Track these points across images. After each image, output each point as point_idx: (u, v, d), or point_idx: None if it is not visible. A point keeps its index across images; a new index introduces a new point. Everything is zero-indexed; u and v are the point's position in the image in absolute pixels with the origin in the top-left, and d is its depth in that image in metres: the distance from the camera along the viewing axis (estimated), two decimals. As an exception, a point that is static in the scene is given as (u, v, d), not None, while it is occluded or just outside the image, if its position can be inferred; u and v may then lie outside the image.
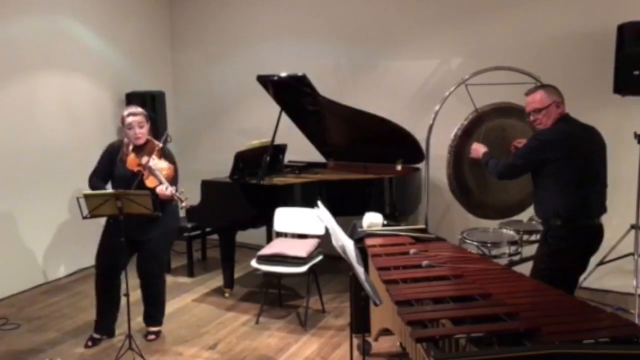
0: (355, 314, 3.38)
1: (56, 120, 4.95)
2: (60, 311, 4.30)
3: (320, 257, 4.14)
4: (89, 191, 3.37)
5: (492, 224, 4.13)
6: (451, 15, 4.83)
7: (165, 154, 3.62)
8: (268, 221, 4.54)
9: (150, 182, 3.46)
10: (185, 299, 4.54)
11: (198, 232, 5.18)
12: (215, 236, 5.20)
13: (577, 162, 2.95)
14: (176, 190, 3.44)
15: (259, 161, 4.54)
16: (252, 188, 4.45)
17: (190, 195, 3.58)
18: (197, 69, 6.11)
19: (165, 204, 3.51)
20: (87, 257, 4.23)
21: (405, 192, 4.58)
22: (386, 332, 3.04)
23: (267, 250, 4.11)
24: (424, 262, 2.71)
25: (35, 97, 4.78)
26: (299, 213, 4.25)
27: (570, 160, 2.95)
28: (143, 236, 3.58)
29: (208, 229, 5.27)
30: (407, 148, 4.61)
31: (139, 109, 3.61)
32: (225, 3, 5.84)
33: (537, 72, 4.04)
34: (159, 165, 3.51)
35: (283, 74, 4.42)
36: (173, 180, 3.55)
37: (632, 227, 4.00)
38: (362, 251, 2.90)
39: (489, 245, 3.76)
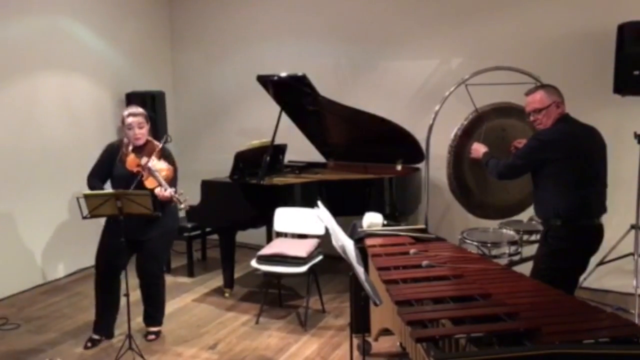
0: (355, 314, 3.38)
1: (56, 120, 4.95)
2: (60, 311, 4.30)
3: (320, 257, 4.14)
4: (89, 191, 3.37)
5: (492, 224, 4.13)
6: (451, 15, 4.83)
7: (165, 155, 3.61)
8: (268, 221, 4.54)
9: (149, 183, 3.46)
10: (185, 299, 4.54)
11: (198, 232, 5.18)
12: (215, 236, 5.20)
13: (577, 162, 2.95)
14: (175, 192, 3.43)
15: (259, 161, 4.54)
16: (252, 188, 4.45)
17: (190, 195, 3.58)
18: (197, 69, 6.11)
19: (164, 205, 3.51)
20: (87, 257, 4.23)
21: (405, 192, 4.58)
22: (386, 332, 3.04)
23: (267, 250, 4.11)
24: (424, 262, 2.71)
25: (35, 97, 4.78)
26: (299, 213, 4.25)
27: (570, 160, 2.95)
28: (142, 236, 3.57)
29: (208, 229, 5.27)
30: (407, 148, 4.61)
31: (139, 109, 3.60)
32: (225, 3, 5.84)
33: (537, 72, 4.04)
34: (158, 166, 3.51)
35: (283, 74, 4.42)
36: (172, 181, 3.54)
37: (632, 227, 4.00)
38: (362, 251, 2.90)
39: (489, 245, 3.76)
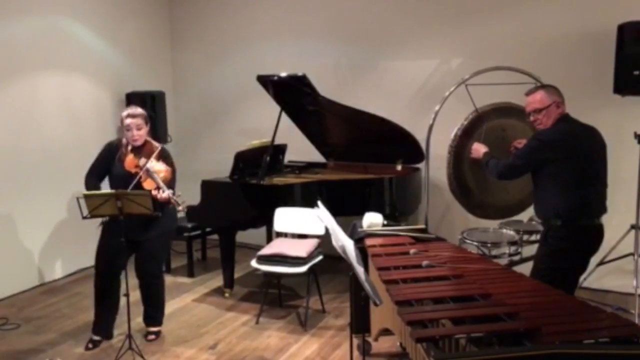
0: (355, 314, 3.38)
1: (56, 120, 4.96)
2: (60, 311, 4.30)
3: (320, 257, 4.14)
4: (89, 191, 3.37)
5: (492, 224, 4.13)
6: (451, 15, 4.83)
7: (163, 156, 3.60)
8: (268, 221, 4.54)
9: (147, 184, 3.45)
10: (185, 299, 4.53)
11: (198, 232, 5.18)
12: (215, 236, 5.20)
13: (577, 162, 2.95)
14: (173, 194, 3.42)
15: (259, 161, 4.53)
16: (252, 188, 4.44)
17: (190, 196, 3.58)
18: (197, 69, 6.11)
19: (163, 205, 3.50)
20: (87, 257, 4.23)
21: (405, 192, 4.58)
22: (386, 332, 3.04)
23: (267, 250, 4.11)
24: (424, 262, 2.71)
25: (35, 97, 4.78)
26: (299, 213, 4.25)
27: (570, 161, 2.95)
28: (141, 236, 3.57)
29: (208, 229, 5.27)
30: (407, 148, 4.61)
31: (138, 110, 3.59)
32: (225, 3, 5.84)
33: (537, 72, 4.04)
34: (157, 167, 3.49)
35: (283, 74, 4.42)
36: (170, 183, 3.53)
37: (632, 227, 4.00)
38: (362, 251, 2.90)
39: (489, 245, 3.76)
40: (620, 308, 4.04)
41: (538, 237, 3.54)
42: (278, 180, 4.66)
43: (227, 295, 4.53)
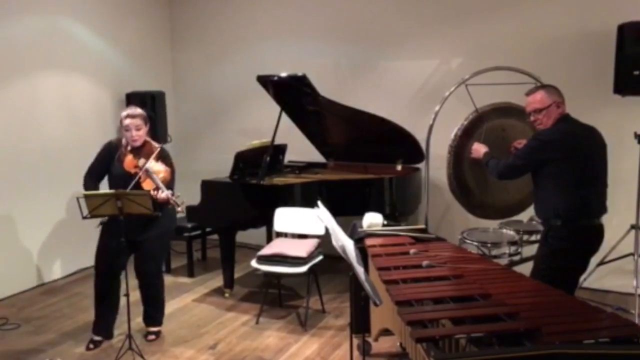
0: (355, 314, 3.38)
1: (56, 120, 4.96)
2: (60, 311, 4.30)
3: (320, 257, 4.14)
4: (88, 191, 3.37)
5: (492, 224, 4.13)
6: (451, 15, 4.83)
7: (162, 156, 3.59)
8: (268, 221, 4.53)
9: (146, 185, 3.44)
10: (185, 299, 4.53)
11: (198, 232, 5.18)
12: (215, 236, 5.20)
13: (577, 162, 2.95)
14: (172, 194, 3.42)
15: (259, 161, 4.53)
16: (252, 188, 4.44)
17: (190, 196, 3.58)
18: (197, 69, 6.11)
19: (162, 205, 3.49)
20: (87, 257, 4.23)
21: (405, 192, 4.58)
22: (386, 332, 3.04)
23: (267, 250, 4.11)
24: (424, 262, 2.71)
25: (35, 97, 4.78)
26: (299, 213, 4.24)
27: (570, 161, 2.95)
28: (140, 236, 3.57)
29: (208, 229, 5.27)
30: (407, 148, 4.61)
31: (138, 111, 3.58)
32: (225, 3, 5.84)
33: (537, 72, 4.04)
34: (156, 168, 3.49)
35: (283, 74, 4.42)
36: (170, 183, 3.53)
37: (632, 227, 4.00)
38: (362, 251, 2.90)
39: (489, 245, 3.75)
40: (620, 308, 4.04)
41: (538, 237, 3.54)
42: (278, 180, 4.66)
43: (227, 295, 4.53)
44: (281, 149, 5.00)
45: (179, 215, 3.79)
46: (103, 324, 3.71)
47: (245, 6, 5.74)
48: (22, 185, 4.67)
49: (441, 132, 4.07)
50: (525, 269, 3.17)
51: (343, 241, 2.54)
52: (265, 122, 4.91)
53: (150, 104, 5.30)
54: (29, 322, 4.09)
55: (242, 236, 4.78)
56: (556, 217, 3.00)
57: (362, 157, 4.95)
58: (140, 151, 3.55)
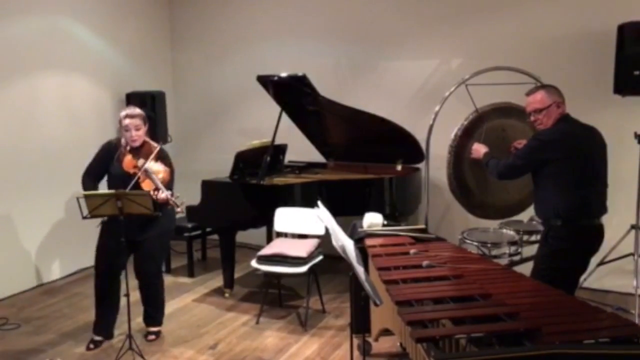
0: (355, 314, 3.38)
1: (56, 120, 4.96)
2: (60, 311, 4.30)
3: (320, 257, 4.14)
4: (88, 191, 3.37)
5: (492, 224, 4.13)
6: (451, 15, 4.83)
7: (161, 156, 3.59)
8: (268, 221, 4.54)
9: (146, 185, 3.43)
10: (185, 299, 4.53)
11: (198, 232, 5.18)
12: (215, 236, 5.20)
13: (577, 162, 2.95)
14: (172, 195, 3.42)
15: (259, 161, 4.53)
16: (252, 188, 4.44)
17: (190, 196, 3.57)
18: (197, 69, 6.11)
19: (161, 206, 3.48)
20: (87, 257, 4.22)
21: (405, 192, 4.58)
22: (386, 332, 3.04)
23: (267, 250, 4.11)
24: (424, 262, 2.71)
25: (35, 97, 4.78)
26: (299, 213, 4.25)
27: (570, 161, 2.95)
28: (139, 237, 3.56)
29: (208, 229, 5.27)
30: (407, 148, 4.61)
31: (137, 111, 3.58)
32: (225, 3, 5.84)
33: (537, 72, 4.04)
34: (155, 168, 3.48)
35: (283, 74, 4.42)
36: (169, 184, 3.53)
37: (632, 227, 4.00)
38: (362, 251, 2.90)
39: (489, 245, 3.75)
40: (620, 308, 4.04)
41: (538, 237, 3.54)
42: (278, 180, 4.66)
43: (227, 295, 4.53)
44: (281, 149, 5.01)
45: (179, 216, 3.79)
46: (103, 324, 3.71)
47: (245, 6, 5.74)
48: (22, 185, 4.67)
49: (441, 132, 4.07)
50: (526, 269, 3.16)
51: (343, 241, 2.54)
52: (265, 122, 4.91)
53: (150, 104, 5.30)
54: (29, 322, 4.10)
55: (242, 236, 4.78)
56: (556, 217, 3.00)
57: (362, 157, 4.95)
58: (140, 151, 3.55)
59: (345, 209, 4.21)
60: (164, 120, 5.51)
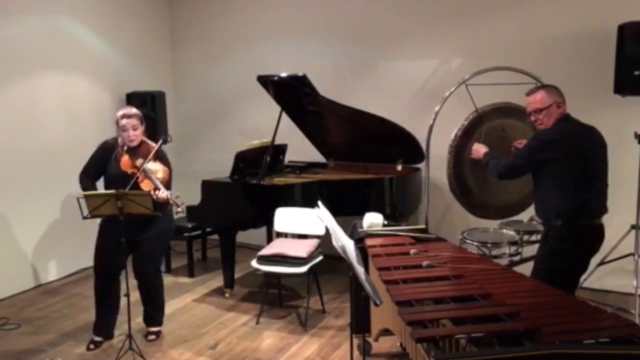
0: (355, 314, 3.38)
1: (56, 120, 4.95)
2: (61, 311, 4.30)
3: (320, 257, 4.14)
4: (88, 191, 3.37)
5: (492, 224, 4.13)
6: (451, 15, 4.83)
7: (159, 156, 3.58)
8: (268, 221, 4.53)
9: (145, 185, 3.42)
10: (186, 299, 4.53)
11: (198, 232, 5.18)
12: (215, 236, 5.20)
13: (577, 162, 2.95)
14: (172, 194, 3.41)
15: (259, 161, 4.53)
16: (252, 188, 4.44)
17: (190, 196, 3.57)
18: (197, 69, 6.11)
19: (162, 206, 3.48)
20: (88, 258, 4.21)
21: (405, 192, 4.58)
22: (386, 332, 3.04)
23: (267, 250, 4.11)
24: (425, 262, 2.71)
25: (35, 97, 4.78)
26: (299, 213, 4.24)
27: (570, 161, 2.95)
28: (138, 237, 3.56)
29: (208, 229, 5.27)
30: (407, 148, 4.61)
31: (133, 110, 3.57)
32: (225, 3, 5.84)
33: (537, 72, 4.04)
34: (153, 167, 3.47)
35: (283, 74, 4.42)
36: (168, 183, 3.52)
37: (633, 227, 4.00)
38: (362, 251, 2.90)
39: (489, 245, 3.75)
40: (620, 308, 4.05)
41: (538, 237, 3.54)
42: (278, 180, 4.66)
43: (227, 295, 4.53)
44: (281, 149, 5.01)
45: (179, 215, 3.79)
46: (103, 324, 3.71)
47: (245, 6, 5.74)
48: (22, 185, 4.67)
49: (441, 132, 4.07)
50: (526, 269, 3.16)
51: (343, 241, 2.54)
52: (265, 122, 4.91)
53: (150, 104, 5.30)
54: (29, 322, 4.10)
55: (242, 236, 4.77)
56: (556, 217, 3.00)
57: (362, 157, 4.95)
58: (137, 151, 3.54)
59: (346, 209, 4.21)
60: (164, 120, 5.51)
